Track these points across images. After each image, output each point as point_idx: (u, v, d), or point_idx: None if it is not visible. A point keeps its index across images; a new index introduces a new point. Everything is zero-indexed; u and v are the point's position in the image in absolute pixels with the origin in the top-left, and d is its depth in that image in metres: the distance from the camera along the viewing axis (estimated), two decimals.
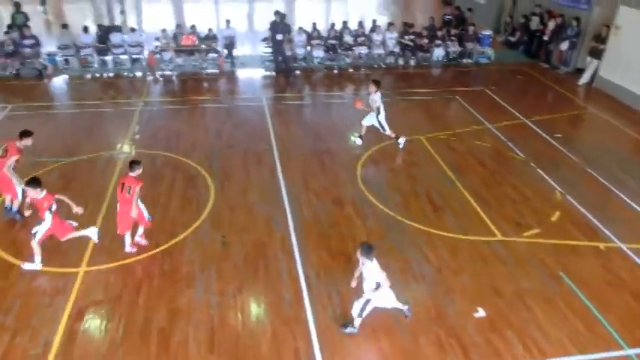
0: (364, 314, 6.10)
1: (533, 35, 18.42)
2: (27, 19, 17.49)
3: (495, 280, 7.30)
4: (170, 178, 9.80)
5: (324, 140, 11.50)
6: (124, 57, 16.50)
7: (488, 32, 18.28)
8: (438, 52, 17.63)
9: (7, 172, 8.03)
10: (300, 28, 17.25)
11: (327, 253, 7.78)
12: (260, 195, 9.30)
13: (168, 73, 15.96)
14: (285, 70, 16.05)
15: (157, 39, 16.32)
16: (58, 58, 16.07)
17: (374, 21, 18.24)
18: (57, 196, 7.09)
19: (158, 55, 15.99)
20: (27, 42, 15.54)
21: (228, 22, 17.23)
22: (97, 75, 15.82)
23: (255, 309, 6.69)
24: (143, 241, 7.82)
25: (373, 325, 6.32)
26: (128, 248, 7.64)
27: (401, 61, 17.53)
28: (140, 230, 7.76)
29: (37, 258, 7.19)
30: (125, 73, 15.95)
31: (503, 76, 16.70)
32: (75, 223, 7.57)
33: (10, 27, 16.51)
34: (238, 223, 8.48)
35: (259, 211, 8.80)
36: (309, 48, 16.99)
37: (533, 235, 8.31)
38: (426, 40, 17.54)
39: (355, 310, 6.10)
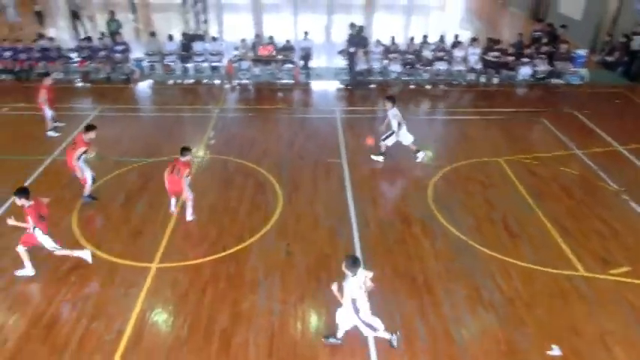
0: (340, 330, 6.30)
1: (634, 56, 17.44)
2: (119, 26, 19.22)
3: (574, 317, 7.02)
4: (241, 184, 10.34)
5: (395, 156, 11.60)
6: (204, 65, 17.62)
7: (582, 51, 17.54)
8: (525, 71, 17.16)
9: (75, 162, 9.21)
10: (378, 41, 17.53)
11: (391, 271, 7.86)
12: (326, 207, 9.58)
13: (244, 81, 16.82)
14: (359, 84, 16.37)
15: (236, 48, 17.29)
16: (145, 64, 17.47)
17: (456, 36, 18.15)
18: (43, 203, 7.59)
19: (236, 64, 16.91)
20: (118, 48, 17.07)
21: (305, 33, 17.89)
22: (179, 81, 17.00)
23: (315, 320, 6.91)
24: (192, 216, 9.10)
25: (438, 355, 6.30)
26: (172, 209, 9.29)
27: (483, 79, 17.27)
28: (188, 208, 9.04)
29: (27, 264, 7.61)
30: (204, 81, 17.01)
31: (597, 98, 15.93)
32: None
33: (103, 34, 18.21)
34: (303, 233, 8.79)
35: (324, 223, 9.06)
36: (385, 62, 17.21)
37: (622, 274, 7.88)
38: (511, 58, 17.16)
39: (338, 316, 6.26)
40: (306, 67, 17.26)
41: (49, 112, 12.25)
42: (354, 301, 5.90)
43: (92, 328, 6.69)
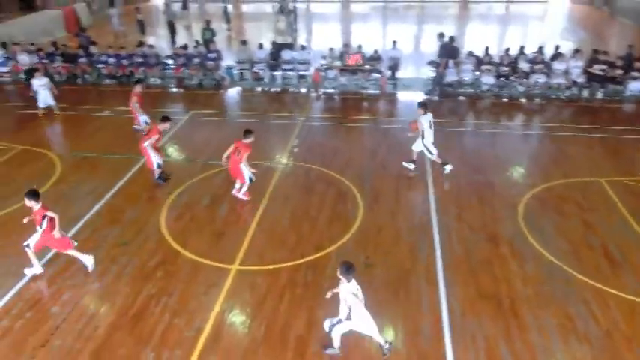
0: (336, 334, 6.21)
1: None
2: (213, 35, 20.38)
3: None
4: (322, 192, 10.50)
5: (484, 172, 11.22)
6: (291, 73, 18.17)
7: None
8: (634, 86, 15.91)
9: (148, 147, 10.36)
10: (470, 53, 17.11)
11: (475, 291, 7.58)
12: (408, 220, 9.45)
13: (330, 90, 17.12)
14: (447, 95, 16.04)
15: (324, 57, 17.66)
16: (235, 71, 18.37)
17: (557, 47, 17.27)
18: (49, 214, 7.61)
19: (323, 73, 17.27)
20: (211, 55, 18.10)
21: (394, 43, 17.88)
22: (266, 88, 17.66)
23: (390, 336, 6.81)
24: (243, 197, 10.06)
25: None
26: (234, 191, 10.13)
27: (585, 93, 16.24)
28: (243, 188, 9.96)
29: (35, 262, 7.91)
30: (291, 89, 17.54)
31: None
32: (75, 243, 8.11)
33: (198, 42, 19.39)
34: (383, 245, 8.73)
35: (405, 237, 8.94)
36: (477, 73, 16.74)
37: None
38: (620, 71, 15.99)
39: (326, 325, 6.32)
40: (393, 77, 17.23)
41: (141, 117, 13.26)
42: (349, 309, 5.99)
43: (174, 323, 7.07)
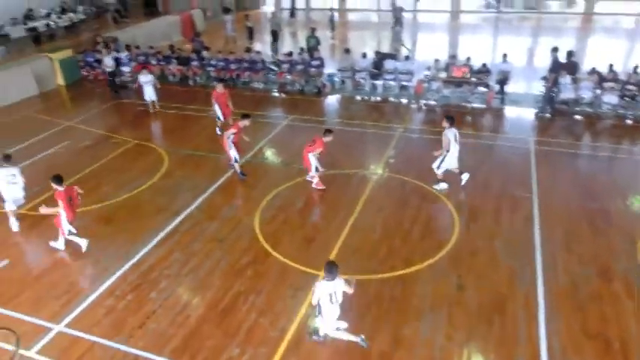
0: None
1: None
2: (318, 42, 20.91)
3: None
4: (416, 206, 10.32)
5: (598, 198, 10.37)
6: (393, 83, 18.11)
7: None
8: None
9: (227, 140, 11.26)
10: (593, 69, 15.94)
11: (580, 329, 7.01)
12: (508, 244, 8.98)
13: (432, 102, 16.81)
14: (562, 113, 15.07)
15: (428, 68, 17.39)
16: (336, 79, 18.68)
17: None
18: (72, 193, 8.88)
19: (426, 84, 17.01)
20: (314, 62, 18.58)
21: (504, 55, 17.16)
22: (366, 97, 17.76)
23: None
24: (317, 186, 10.93)
25: None
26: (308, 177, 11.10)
27: None
28: (314, 179, 10.89)
29: (61, 239, 9.01)
30: (391, 99, 17.47)
31: None
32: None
33: (302, 49, 20.00)
34: (478, 268, 8.38)
35: (504, 261, 8.51)
36: (599, 91, 15.55)
37: None
38: None
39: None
40: (501, 91, 16.54)
41: (218, 112, 14.23)
42: (320, 304, 6.43)
43: (260, 322, 7.31)
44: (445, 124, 10.71)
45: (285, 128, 14.87)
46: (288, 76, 18.59)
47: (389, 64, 18.33)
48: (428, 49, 24.48)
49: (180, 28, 27.73)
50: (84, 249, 8.99)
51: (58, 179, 8.68)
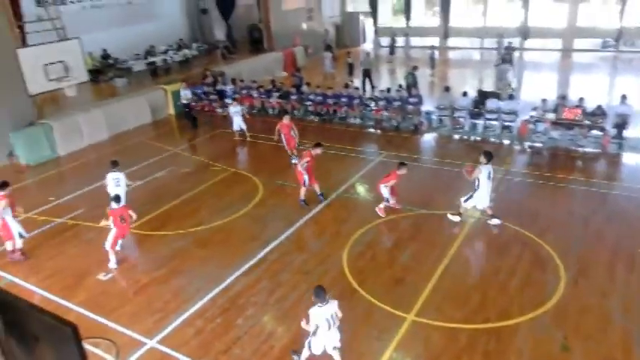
0: (306, 351, 6.79)
1: None
2: (416, 80, 20.91)
3: None
4: (516, 254, 9.73)
5: None
6: (495, 123, 17.51)
7: None
8: None
9: (300, 168, 11.71)
10: None
11: None
12: (624, 304, 8.15)
13: (538, 145, 15.99)
14: None
15: (535, 109, 16.61)
16: (434, 117, 18.43)
17: None
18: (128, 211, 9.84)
19: (532, 125, 16.26)
20: (412, 100, 18.52)
21: (623, 97, 15.99)
22: (465, 137, 17.31)
23: None
24: (379, 212, 11.27)
25: None
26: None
27: None
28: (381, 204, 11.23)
29: (112, 258, 9.78)
30: (492, 139, 16.87)
31: None
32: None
33: (400, 86, 20.06)
34: (587, 328, 7.66)
35: (618, 323, 7.72)
36: None
37: None
38: None
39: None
40: (619, 136, 15.35)
41: (284, 141, 14.91)
42: (316, 329, 6.49)
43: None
44: (482, 159, 10.51)
45: (379, 165, 14.85)
46: (385, 113, 18.68)
47: (492, 103, 17.80)
48: (534, 89, 23.47)
49: (282, 63, 29.12)
50: (112, 266, 9.84)
51: (117, 198, 9.90)
